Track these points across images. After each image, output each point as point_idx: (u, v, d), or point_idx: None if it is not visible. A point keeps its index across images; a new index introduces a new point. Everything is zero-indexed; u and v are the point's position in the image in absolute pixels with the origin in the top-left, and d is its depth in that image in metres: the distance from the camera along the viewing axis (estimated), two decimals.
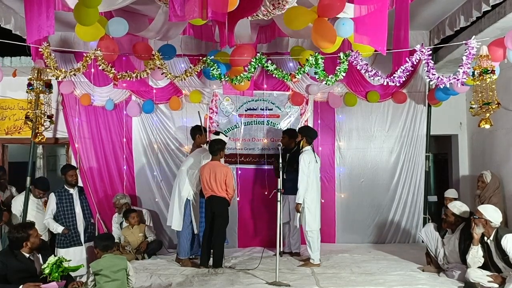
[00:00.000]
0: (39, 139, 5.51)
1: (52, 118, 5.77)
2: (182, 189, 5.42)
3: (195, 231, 5.44)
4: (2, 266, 3.79)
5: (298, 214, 5.30)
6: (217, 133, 5.75)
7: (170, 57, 5.41)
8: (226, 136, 5.83)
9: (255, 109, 6.43)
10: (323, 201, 5.76)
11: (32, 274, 3.95)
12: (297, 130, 5.83)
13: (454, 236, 4.70)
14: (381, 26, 3.82)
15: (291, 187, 5.50)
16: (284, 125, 6.37)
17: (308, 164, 5.23)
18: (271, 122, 6.43)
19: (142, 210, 6.10)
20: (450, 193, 5.91)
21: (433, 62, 4.38)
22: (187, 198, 5.41)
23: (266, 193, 6.23)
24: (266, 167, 6.35)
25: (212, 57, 5.18)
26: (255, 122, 6.44)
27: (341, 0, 4.01)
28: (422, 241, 5.27)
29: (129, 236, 5.70)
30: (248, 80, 5.07)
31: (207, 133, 5.98)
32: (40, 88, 5.32)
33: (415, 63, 4.42)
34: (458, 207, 4.70)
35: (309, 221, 5.24)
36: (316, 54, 4.68)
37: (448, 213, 4.73)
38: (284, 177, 5.37)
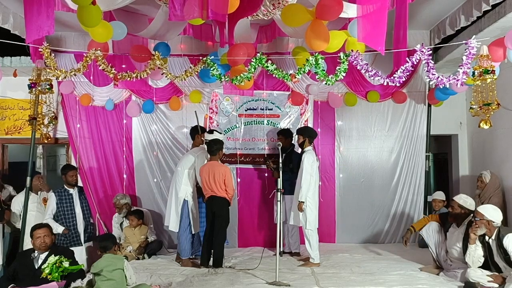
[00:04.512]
0: (45, 137, 5.51)
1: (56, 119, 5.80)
2: (178, 190, 5.41)
3: (193, 231, 5.42)
4: (14, 264, 4.35)
5: (293, 213, 5.32)
6: (211, 131, 5.74)
7: (166, 55, 5.39)
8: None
9: (255, 109, 6.43)
10: (321, 200, 5.75)
11: (33, 273, 4.05)
12: (297, 131, 5.82)
13: (459, 231, 4.65)
14: (380, 26, 3.80)
15: (288, 187, 5.50)
16: (284, 125, 6.36)
17: (312, 163, 5.25)
18: (271, 122, 6.42)
19: (144, 211, 6.09)
20: (438, 195, 6.08)
21: (433, 62, 4.37)
22: (184, 199, 5.40)
23: (266, 193, 6.24)
24: (265, 167, 6.35)
25: (212, 57, 5.18)
26: (255, 122, 6.43)
27: (339, 3, 4.00)
28: (422, 239, 5.22)
29: (131, 237, 5.69)
30: (249, 80, 5.06)
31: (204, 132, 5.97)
32: (46, 88, 5.32)
33: (415, 63, 4.41)
34: (464, 199, 4.70)
35: (310, 219, 5.24)
36: (316, 54, 4.68)
37: (454, 205, 4.72)
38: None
